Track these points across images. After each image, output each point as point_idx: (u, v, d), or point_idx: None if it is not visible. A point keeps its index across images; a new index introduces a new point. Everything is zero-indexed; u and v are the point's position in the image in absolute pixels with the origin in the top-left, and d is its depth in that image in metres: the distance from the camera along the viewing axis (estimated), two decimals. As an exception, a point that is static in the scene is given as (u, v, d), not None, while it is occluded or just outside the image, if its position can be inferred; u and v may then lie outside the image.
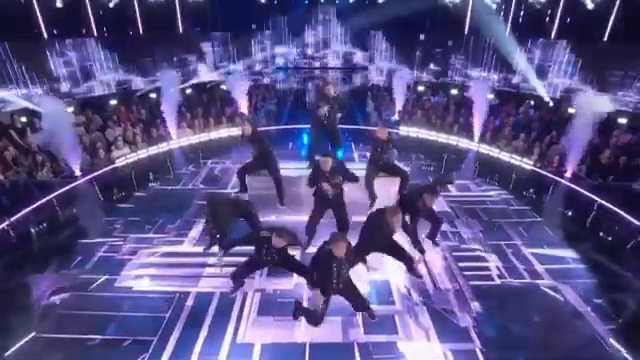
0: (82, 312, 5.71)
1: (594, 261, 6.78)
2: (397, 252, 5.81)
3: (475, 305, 5.87)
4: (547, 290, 6.18)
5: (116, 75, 14.76)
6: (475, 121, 12.15)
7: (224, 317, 5.64)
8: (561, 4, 14.36)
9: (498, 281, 6.39)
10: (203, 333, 5.37)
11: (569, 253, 7.02)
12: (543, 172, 10.08)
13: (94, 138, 11.08)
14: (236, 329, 5.45)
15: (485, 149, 11.55)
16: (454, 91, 14.92)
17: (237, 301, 5.90)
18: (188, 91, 15.03)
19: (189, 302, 5.91)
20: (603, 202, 8.51)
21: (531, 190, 9.38)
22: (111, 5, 15.20)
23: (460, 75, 16.44)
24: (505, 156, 11.03)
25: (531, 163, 10.51)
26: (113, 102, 13.62)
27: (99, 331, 5.37)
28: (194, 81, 16.06)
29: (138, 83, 15.08)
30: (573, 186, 9.30)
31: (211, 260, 6.63)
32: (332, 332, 5.35)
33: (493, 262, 6.81)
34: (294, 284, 6.19)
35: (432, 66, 17.07)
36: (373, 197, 6.99)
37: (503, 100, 14.09)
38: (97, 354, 5.06)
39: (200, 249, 6.83)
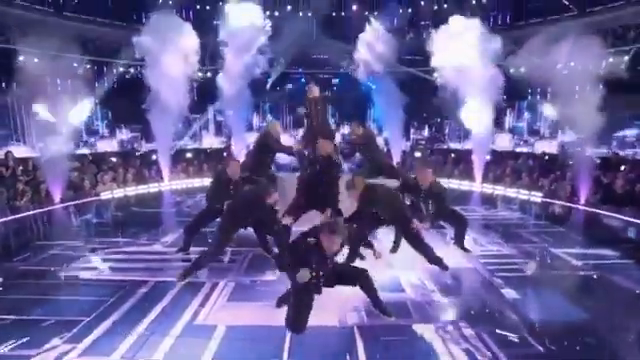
0: (2, 297, 4.26)
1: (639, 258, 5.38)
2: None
3: (509, 292, 4.38)
4: (593, 278, 4.73)
5: (120, 134, 14.61)
6: (475, 169, 11.39)
7: (184, 302, 4.15)
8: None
9: (530, 273, 4.95)
10: (152, 315, 3.87)
11: (607, 252, 5.62)
12: (556, 202, 9.00)
13: (84, 176, 10.27)
14: (197, 312, 3.95)
15: (489, 188, 10.59)
16: (452, 155, 14.50)
17: (204, 288, 4.45)
18: (188, 155, 14.65)
19: (143, 289, 4.44)
20: (629, 218, 7.33)
21: (546, 214, 8.20)
22: (127, 76, 15.82)
23: (455, 139, 16.20)
24: (511, 192, 10.03)
25: (540, 195, 9.47)
26: (113, 159, 13.16)
27: (16, 313, 3.88)
28: (195, 146, 15.84)
29: (141, 144, 14.83)
30: (592, 209, 8.15)
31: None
32: (325, 316, 3.84)
33: (521, 259, 5.40)
34: (278, 276, 4.76)
35: (426, 132, 16.98)
36: None
37: (499, 157, 13.55)
38: (2, 333, 3.54)
39: (173, 249, 5.56)
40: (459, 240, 5.41)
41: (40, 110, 10.74)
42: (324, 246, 3.33)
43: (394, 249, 5.41)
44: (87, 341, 3.40)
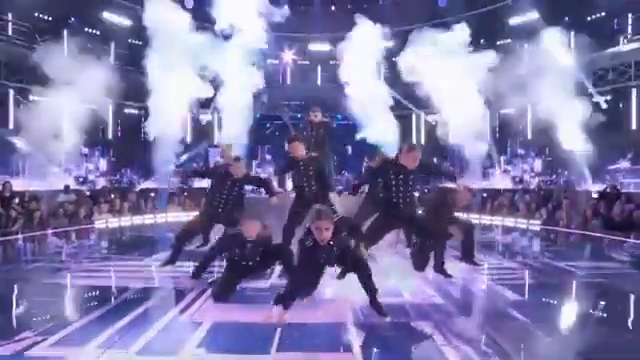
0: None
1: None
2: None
3: (512, 295, 4.11)
4: (598, 283, 4.48)
5: (120, 173, 14.62)
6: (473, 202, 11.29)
7: (169, 302, 3.88)
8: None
9: (534, 281, 4.69)
10: (135, 313, 3.57)
11: (613, 264, 5.39)
12: (555, 228, 8.80)
13: (80, 208, 10.10)
14: (182, 310, 3.66)
15: (487, 219, 10.40)
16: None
17: (192, 292, 4.17)
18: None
19: (127, 293, 4.17)
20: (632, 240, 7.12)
21: (547, 237, 7.98)
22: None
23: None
24: (509, 222, 9.85)
25: (538, 223, 9.28)
26: (112, 195, 13.06)
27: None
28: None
29: (140, 181, 14.78)
30: (593, 234, 7.95)
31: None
32: (317, 314, 3.57)
33: (523, 272, 5.14)
34: (270, 284, 4.50)
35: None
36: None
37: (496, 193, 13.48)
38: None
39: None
40: (467, 255, 5.01)
41: (18, 142, 11.12)
42: (316, 237, 3.30)
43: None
44: (61, 334, 3.11)
